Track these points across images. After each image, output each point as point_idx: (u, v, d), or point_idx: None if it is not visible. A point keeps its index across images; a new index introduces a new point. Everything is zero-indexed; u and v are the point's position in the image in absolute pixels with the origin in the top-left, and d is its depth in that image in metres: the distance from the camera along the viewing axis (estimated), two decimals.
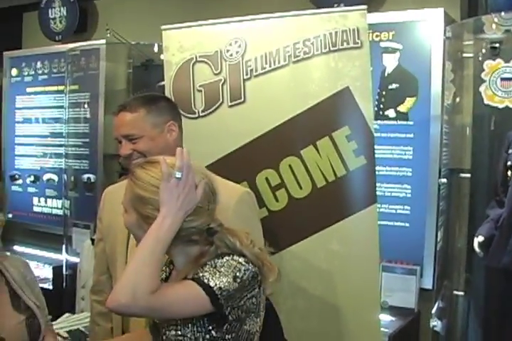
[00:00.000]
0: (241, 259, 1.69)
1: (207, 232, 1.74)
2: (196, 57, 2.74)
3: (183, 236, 1.70)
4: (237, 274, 1.64)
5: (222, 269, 1.65)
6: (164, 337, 1.73)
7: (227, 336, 1.68)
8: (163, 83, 2.88)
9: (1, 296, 2.04)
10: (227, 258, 1.68)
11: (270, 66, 2.63)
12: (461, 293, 3.29)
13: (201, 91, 2.73)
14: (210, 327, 1.67)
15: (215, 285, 1.60)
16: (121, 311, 1.60)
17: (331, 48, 2.54)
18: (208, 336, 1.67)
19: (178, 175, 1.66)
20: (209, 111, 2.71)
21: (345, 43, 2.53)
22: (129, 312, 1.60)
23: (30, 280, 2.17)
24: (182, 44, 2.78)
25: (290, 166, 2.55)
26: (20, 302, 2.07)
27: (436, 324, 3.30)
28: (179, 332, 1.69)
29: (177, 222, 1.65)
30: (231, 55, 2.69)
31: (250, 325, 1.72)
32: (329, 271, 2.52)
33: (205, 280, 1.61)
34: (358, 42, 2.53)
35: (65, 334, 3.01)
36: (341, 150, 2.52)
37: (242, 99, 2.66)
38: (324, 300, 2.54)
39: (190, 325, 1.68)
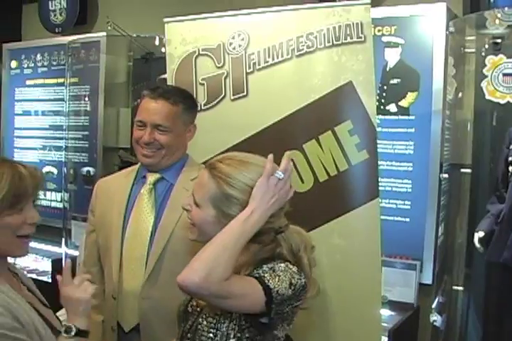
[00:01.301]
0: (294, 268, 1.72)
1: (275, 231, 1.78)
2: (199, 50, 2.74)
3: (257, 234, 1.70)
4: (292, 281, 1.68)
5: (280, 273, 1.67)
6: (197, 326, 1.77)
7: (256, 337, 1.71)
8: (164, 76, 2.89)
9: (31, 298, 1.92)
10: (282, 265, 1.71)
11: (273, 60, 2.63)
12: (461, 288, 3.29)
13: (204, 84, 2.74)
14: (244, 327, 1.70)
15: (274, 287, 1.63)
16: (191, 290, 1.59)
17: (334, 42, 2.55)
18: (239, 334, 1.70)
19: (281, 175, 1.69)
20: (211, 104, 2.72)
21: (348, 37, 2.53)
22: (198, 293, 1.60)
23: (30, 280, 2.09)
24: (184, 37, 2.78)
25: (292, 160, 2.53)
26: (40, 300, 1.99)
27: (436, 319, 3.31)
28: (213, 325, 1.73)
29: (263, 219, 1.67)
30: (234, 48, 2.69)
31: (280, 330, 1.75)
32: (331, 265, 2.52)
33: (266, 281, 1.64)
34: (361, 37, 2.53)
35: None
36: (344, 145, 2.52)
37: (245, 93, 2.67)
38: (325, 295, 2.53)
39: (227, 321, 1.71)
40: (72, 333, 1.75)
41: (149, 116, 2.26)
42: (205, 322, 1.75)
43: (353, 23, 2.53)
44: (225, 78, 2.69)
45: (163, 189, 2.35)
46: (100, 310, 2.39)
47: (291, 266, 1.72)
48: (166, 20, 2.83)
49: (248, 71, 2.66)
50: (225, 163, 1.76)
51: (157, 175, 2.35)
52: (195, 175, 1.92)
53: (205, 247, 1.63)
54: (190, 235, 1.86)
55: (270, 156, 1.71)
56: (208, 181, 1.76)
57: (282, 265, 1.71)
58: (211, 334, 1.72)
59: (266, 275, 1.66)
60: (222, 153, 2.57)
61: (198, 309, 1.83)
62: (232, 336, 1.70)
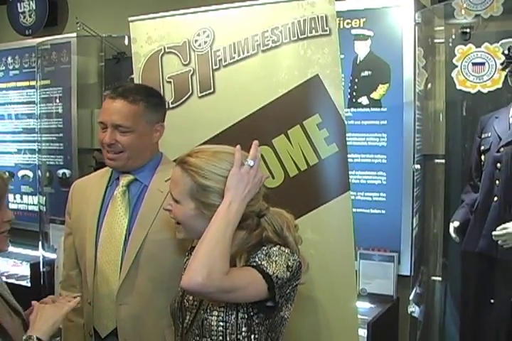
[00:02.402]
0: (287, 250, 1.77)
1: (257, 215, 1.83)
2: (164, 48, 2.73)
3: (241, 220, 1.75)
4: (289, 264, 1.73)
5: (276, 259, 1.73)
6: (204, 322, 1.79)
7: (265, 322, 1.77)
8: (134, 76, 2.85)
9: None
10: (274, 248, 1.76)
11: (239, 55, 2.62)
12: (439, 279, 3.31)
13: (170, 82, 2.72)
14: (252, 313, 1.75)
15: (273, 273, 1.69)
16: (198, 290, 1.63)
17: (300, 36, 2.53)
18: (249, 322, 1.75)
19: (251, 163, 1.75)
20: (179, 102, 2.70)
21: (313, 31, 2.52)
22: (205, 292, 1.63)
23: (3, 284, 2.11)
24: (150, 35, 2.77)
25: (262, 156, 2.52)
26: (11, 307, 2.00)
27: (413, 310, 3.32)
28: (221, 318, 1.76)
29: (243, 207, 1.72)
30: (199, 45, 2.68)
31: (285, 311, 1.81)
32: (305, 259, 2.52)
33: (264, 269, 1.69)
34: (326, 30, 2.51)
35: None
36: (313, 139, 2.51)
37: (212, 90, 2.66)
38: (300, 290, 2.52)
39: (235, 312, 1.75)
40: None
41: (109, 117, 2.20)
42: (211, 317, 1.78)
43: (318, 17, 2.52)
44: (192, 75, 2.67)
45: (136, 191, 2.31)
46: (81, 313, 2.37)
47: (284, 249, 1.77)
48: (130, 19, 2.81)
49: (214, 68, 2.64)
50: (194, 156, 1.80)
51: (130, 177, 2.31)
52: (170, 175, 1.90)
53: (197, 247, 1.67)
54: (177, 235, 1.89)
55: (238, 146, 1.78)
56: (181, 176, 1.80)
57: (275, 248, 1.76)
58: (221, 328, 1.76)
59: (263, 262, 1.71)
60: None
61: (196, 303, 1.86)
62: (243, 325, 1.75)
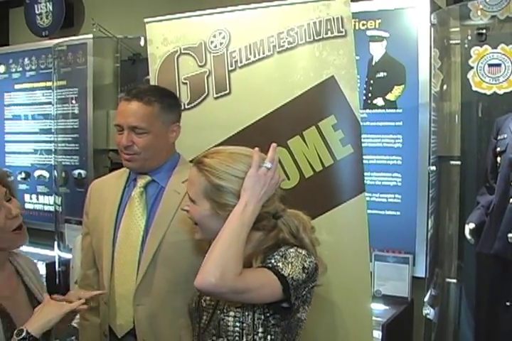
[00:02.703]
0: (304, 252, 1.79)
1: (273, 216, 1.85)
2: (180, 50, 2.74)
3: (256, 221, 1.77)
4: (305, 265, 1.75)
5: (292, 260, 1.74)
6: (220, 322, 1.81)
7: (281, 323, 1.78)
8: (149, 77, 2.87)
9: (20, 298, 2.02)
10: (291, 250, 1.78)
11: (255, 57, 2.63)
12: (454, 281, 3.29)
13: (186, 83, 2.73)
14: (268, 314, 1.77)
15: (288, 275, 1.70)
16: (211, 290, 1.65)
17: (315, 37, 2.54)
18: (265, 322, 1.77)
19: (269, 165, 1.77)
20: (195, 103, 2.72)
21: (329, 32, 2.53)
22: (218, 292, 1.65)
23: (40, 280, 2.18)
24: (166, 37, 2.78)
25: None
26: (34, 301, 2.05)
27: (428, 312, 3.30)
28: (238, 319, 1.78)
29: (258, 208, 1.75)
30: (215, 46, 2.68)
31: (302, 313, 1.83)
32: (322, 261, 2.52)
33: (280, 270, 1.70)
34: (342, 31, 2.52)
35: None
36: (328, 140, 2.52)
37: (228, 91, 2.66)
38: (315, 291, 2.52)
39: (251, 313, 1.77)
40: (21, 336, 1.77)
41: (124, 119, 2.21)
42: (228, 317, 1.79)
43: (334, 18, 2.52)
44: (208, 77, 2.68)
45: (153, 192, 2.32)
46: (97, 313, 2.39)
47: (300, 250, 1.79)
48: (146, 20, 2.82)
49: (230, 69, 2.65)
50: (210, 157, 1.83)
51: (147, 178, 2.32)
52: (187, 176, 1.91)
53: (212, 247, 1.69)
54: (196, 235, 1.91)
55: (256, 149, 1.81)
56: (197, 176, 1.82)
57: (292, 250, 1.78)
58: (237, 328, 1.78)
59: (279, 264, 1.73)
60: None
61: (213, 303, 1.88)
62: (259, 325, 1.77)
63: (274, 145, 1.82)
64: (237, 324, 1.77)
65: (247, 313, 1.77)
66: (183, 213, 2.03)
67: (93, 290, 2.29)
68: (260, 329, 1.76)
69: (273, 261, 1.74)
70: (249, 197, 1.73)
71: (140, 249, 2.26)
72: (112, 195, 2.38)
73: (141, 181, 2.32)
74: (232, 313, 1.79)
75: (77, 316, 2.67)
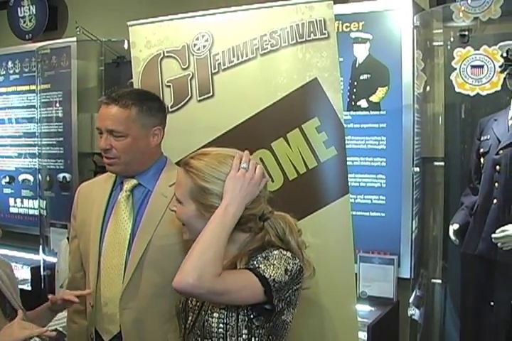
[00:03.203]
0: (288, 254, 1.79)
1: (260, 218, 1.86)
2: (164, 53, 2.73)
3: (242, 223, 1.80)
4: (288, 267, 1.75)
5: (275, 262, 1.74)
6: (204, 323, 1.81)
7: (266, 325, 1.78)
8: (133, 80, 2.86)
9: None
10: (275, 252, 1.78)
11: (238, 59, 2.62)
12: (438, 281, 3.31)
13: (170, 86, 2.73)
14: (252, 316, 1.76)
15: (270, 276, 1.70)
16: (188, 291, 1.67)
17: (298, 40, 2.54)
18: (249, 324, 1.76)
19: (245, 165, 1.81)
20: (178, 106, 2.71)
21: (312, 34, 2.53)
22: (196, 293, 1.67)
23: (15, 283, 2.19)
24: (149, 39, 2.77)
25: (261, 159, 2.53)
26: (7, 305, 2.06)
27: (414, 312, 3.32)
28: (222, 320, 1.78)
29: (240, 210, 1.76)
30: (198, 49, 2.68)
31: (287, 315, 1.82)
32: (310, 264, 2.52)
33: (261, 272, 1.71)
34: (325, 33, 2.52)
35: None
36: (312, 142, 2.52)
37: (211, 94, 2.66)
38: (301, 293, 2.53)
39: (235, 314, 1.77)
40: None
41: (102, 122, 2.21)
42: (212, 319, 1.80)
43: (316, 20, 2.52)
44: (191, 79, 2.68)
45: (140, 195, 2.31)
46: (85, 316, 2.40)
47: (284, 252, 1.79)
48: (129, 23, 2.82)
49: (213, 71, 2.65)
50: (196, 159, 1.84)
51: (134, 181, 2.31)
52: (174, 180, 1.91)
53: (192, 248, 1.71)
54: (184, 235, 1.92)
55: (246, 152, 1.86)
56: (183, 178, 1.84)
57: (276, 252, 1.78)
58: (221, 330, 1.78)
59: (261, 265, 1.73)
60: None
61: (198, 304, 1.88)
62: (243, 327, 1.76)
63: (246, 152, 1.87)
64: (221, 325, 1.77)
65: (230, 315, 1.77)
66: (170, 216, 2.03)
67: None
68: (244, 331, 1.76)
69: (255, 262, 1.74)
70: (230, 198, 1.75)
71: (127, 253, 2.25)
72: (99, 198, 2.38)
73: (128, 185, 2.31)
74: (216, 314, 1.79)
75: (65, 320, 2.69)
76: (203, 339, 1.81)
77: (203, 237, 1.71)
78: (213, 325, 1.79)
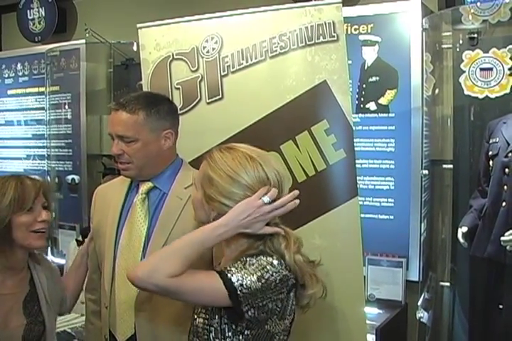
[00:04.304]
0: (275, 262, 1.74)
1: None
2: (173, 55, 2.74)
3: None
4: (264, 275, 1.70)
5: (250, 267, 1.71)
6: (194, 322, 1.84)
7: (246, 331, 1.75)
8: (142, 82, 2.87)
9: (19, 293, 2.15)
10: (261, 257, 1.75)
11: (247, 62, 2.63)
12: (447, 284, 3.30)
13: (179, 88, 2.73)
14: (230, 321, 1.74)
15: (237, 280, 1.67)
16: (135, 283, 1.71)
17: (308, 42, 2.54)
18: (233, 327, 1.74)
19: (266, 199, 1.75)
20: (188, 108, 2.71)
21: (321, 37, 2.53)
22: (142, 287, 1.71)
23: (58, 289, 2.31)
24: (158, 42, 2.78)
25: None
26: (35, 305, 2.17)
27: (422, 315, 3.31)
28: (206, 321, 1.78)
29: (229, 234, 1.75)
30: (207, 51, 2.68)
31: (272, 325, 1.77)
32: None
33: (229, 275, 1.68)
34: (334, 36, 2.52)
35: None
36: (321, 145, 2.52)
37: (220, 96, 2.66)
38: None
39: (216, 316, 1.76)
40: None
41: (112, 128, 2.21)
42: (199, 319, 1.81)
43: (325, 23, 2.53)
44: (200, 81, 2.68)
45: (155, 198, 2.30)
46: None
47: (269, 259, 1.74)
48: (139, 25, 2.82)
49: (223, 74, 2.65)
50: (219, 151, 1.84)
51: (149, 184, 2.30)
52: (190, 182, 1.92)
53: (165, 246, 1.78)
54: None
55: (273, 189, 1.78)
56: (203, 164, 1.86)
57: (262, 258, 1.74)
58: (206, 331, 1.77)
59: (232, 268, 1.71)
60: (201, 156, 2.59)
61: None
62: (227, 330, 1.74)
63: (295, 192, 1.84)
64: (206, 327, 1.77)
65: (213, 317, 1.76)
66: (185, 219, 2.02)
67: (98, 294, 2.38)
68: (228, 334, 1.74)
69: (231, 266, 1.73)
70: (229, 220, 1.73)
71: (142, 255, 2.24)
72: (114, 201, 2.37)
73: (143, 187, 2.31)
74: (202, 315, 1.80)
75: (73, 321, 2.70)
76: (193, 338, 1.84)
77: (178, 241, 1.74)
78: (199, 325, 1.80)
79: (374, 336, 3.00)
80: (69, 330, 3.10)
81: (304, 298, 1.81)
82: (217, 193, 1.77)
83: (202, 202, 1.82)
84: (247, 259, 1.74)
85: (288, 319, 1.82)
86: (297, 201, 1.82)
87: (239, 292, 1.66)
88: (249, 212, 1.73)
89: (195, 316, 1.83)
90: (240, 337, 1.74)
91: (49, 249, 4.70)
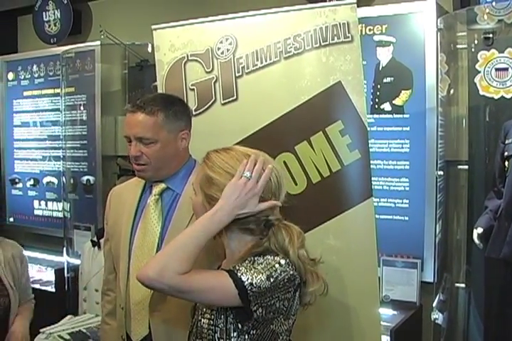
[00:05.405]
0: (282, 261, 1.74)
1: (264, 224, 1.82)
2: (188, 56, 2.75)
3: (241, 223, 1.80)
4: (272, 274, 1.70)
5: (258, 266, 1.71)
6: (198, 323, 1.83)
7: (252, 331, 1.75)
8: (157, 83, 2.88)
9: None
10: (268, 257, 1.75)
11: (262, 63, 2.63)
12: (462, 285, 3.29)
13: (194, 90, 2.74)
14: (237, 320, 1.74)
15: (247, 280, 1.67)
16: (146, 284, 1.70)
17: (322, 43, 2.54)
18: (239, 327, 1.74)
19: (247, 174, 1.76)
20: (202, 109, 2.72)
21: (335, 38, 2.53)
22: (156, 287, 1.70)
23: (14, 265, 2.40)
24: (173, 43, 2.79)
25: (285, 162, 2.54)
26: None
27: (437, 317, 3.30)
28: (212, 322, 1.77)
29: (229, 218, 1.75)
30: (222, 52, 2.69)
31: (277, 325, 1.77)
32: (327, 266, 2.50)
33: (239, 274, 1.69)
34: (348, 37, 2.52)
35: (67, 337, 3.02)
36: (335, 145, 2.52)
37: (235, 97, 2.67)
38: (323, 296, 2.53)
39: (222, 316, 1.76)
40: None
41: (130, 130, 2.22)
42: (204, 319, 1.80)
43: (340, 23, 2.52)
44: (215, 83, 2.69)
45: (169, 199, 2.32)
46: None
47: (278, 259, 1.75)
48: (153, 27, 2.84)
49: (237, 75, 2.66)
50: (216, 152, 1.87)
51: (162, 185, 2.32)
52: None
53: (168, 243, 1.74)
54: None
55: (244, 161, 1.79)
56: (200, 167, 1.88)
57: (269, 257, 1.75)
58: (211, 331, 1.77)
59: (241, 268, 1.71)
60: None
61: (200, 305, 1.88)
62: (232, 330, 1.74)
63: (252, 157, 1.81)
64: (211, 327, 1.77)
65: (219, 317, 1.76)
66: None
67: (113, 295, 2.42)
68: (233, 334, 1.74)
69: (239, 265, 1.73)
70: (223, 205, 1.74)
71: None
72: (128, 202, 2.39)
73: (157, 189, 2.32)
74: (207, 315, 1.80)
75: (89, 321, 2.72)
76: (196, 339, 1.83)
77: (182, 235, 1.74)
78: (204, 326, 1.79)
79: (388, 337, 3.00)
80: (84, 330, 3.11)
81: (306, 295, 1.82)
82: (218, 191, 1.78)
83: (203, 205, 1.83)
84: (255, 258, 1.74)
85: (292, 319, 1.82)
86: (270, 166, 1.83)
87: (249, 291, 1.66)
88: (238, 192, 1.75)
89: (199, 317, 1.83)
90: (246, 337, 1.75)
91: (64, 249, 4.72)
